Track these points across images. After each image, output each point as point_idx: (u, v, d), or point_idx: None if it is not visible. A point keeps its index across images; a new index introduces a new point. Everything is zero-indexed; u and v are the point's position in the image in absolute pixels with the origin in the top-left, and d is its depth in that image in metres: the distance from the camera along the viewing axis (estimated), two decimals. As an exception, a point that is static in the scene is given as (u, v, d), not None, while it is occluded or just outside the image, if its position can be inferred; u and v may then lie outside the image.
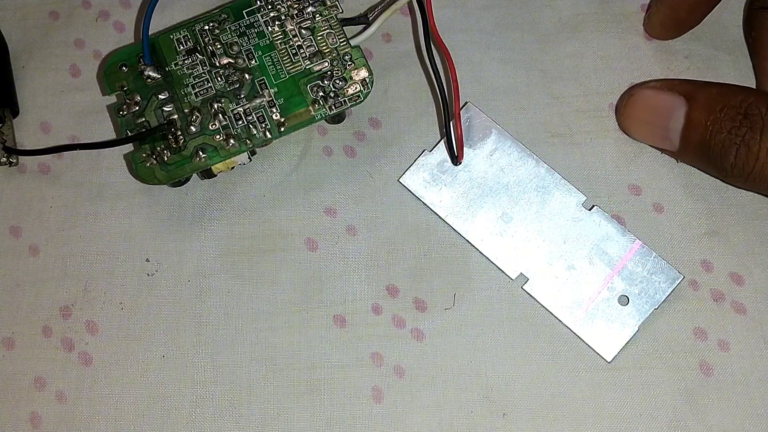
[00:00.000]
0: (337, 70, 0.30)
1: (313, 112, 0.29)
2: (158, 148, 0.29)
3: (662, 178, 0.31)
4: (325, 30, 0.30)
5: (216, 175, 0.31)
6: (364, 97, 0.30)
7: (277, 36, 0.30)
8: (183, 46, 0.30)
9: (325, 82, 0.30)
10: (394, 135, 0.32)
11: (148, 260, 0.31)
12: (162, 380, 0.30)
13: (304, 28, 0.30)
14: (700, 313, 0.30)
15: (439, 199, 0.31)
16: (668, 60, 0.33)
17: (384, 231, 0.31)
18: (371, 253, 0.31)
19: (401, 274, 0.31)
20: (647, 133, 0.31)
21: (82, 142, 0.32)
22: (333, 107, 0.29)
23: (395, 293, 0.30)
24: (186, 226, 0.32)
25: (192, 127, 0.29)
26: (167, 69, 0.30)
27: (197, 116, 0.29)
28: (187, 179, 0.31)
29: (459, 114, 0.30)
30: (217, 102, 0.30)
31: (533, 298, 0.30)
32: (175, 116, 0.30)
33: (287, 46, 0.30)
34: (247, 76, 0.30)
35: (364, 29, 0.31)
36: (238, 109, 0.30)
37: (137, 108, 0.30)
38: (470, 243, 0.31)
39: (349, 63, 0.30)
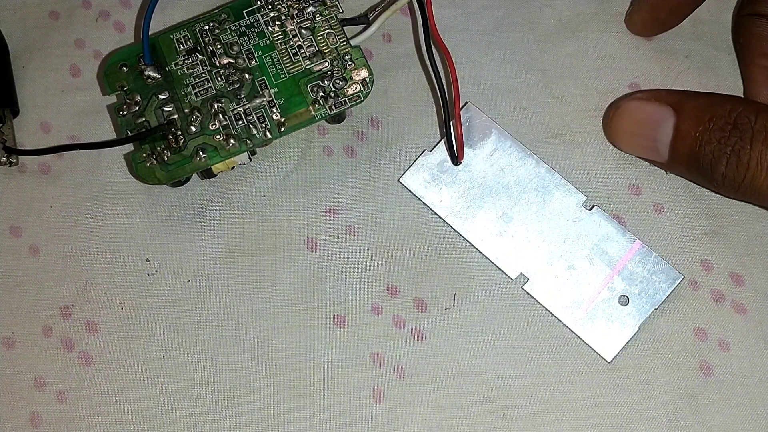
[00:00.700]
0: (337, 70, 0.30)
1: (313, 112, 0.29)
2: (158, 148, 0.29)
3: (662, 178, 0.31)
4: (325, 30, 0.30)
5: (216, 175, 0.31)
6: (364, 97, 0.30)
7: (277, 36, 0.30)
8: (183, 46, 0.30)
9: (325, 82, 0.30)
10: (394, 135, 0.32)
11: (148, 260, 0.31)
12: (162, 380, 0.30)
13: (304, 28, 0.30)
14: (700, 313, 0.30)
15: (439, 199, 0.31)
16: (668, 60, 0.33)
17: (384, 231, 0.31)
18: (371, 253, 0.31)
19: (401, 274, 0.31)
20: (635, 145, 0.30)
21: (82, 142, 0.32)
22: (333, 107, 0.29)
23: (395, 293, 0.30)
24: (186, 226, 0.32)
25: (192, 127, 0.29)
26: (167, 69, 0.30)
27: (197, 116, 0.29)
28: (187, 179, 0.31)
29: (459, 114, 0.30)
30: (217, 102, 0.30)
31: (533, 298, 0.30)
32: (175, 116, 0.30)
33: (287, 46, 0.30)
34: (247, 76, 0.30)
35: (364, 29, 0.31)
36: (238, 109, 0.30)
37: (137, 108, 0.30)
38: (470, 243, 0.31)
39: (349, 63, 0.30)
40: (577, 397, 0.29)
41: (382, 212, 0.31)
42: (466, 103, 0.32)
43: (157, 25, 0.32)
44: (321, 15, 0.30)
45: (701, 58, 0.33)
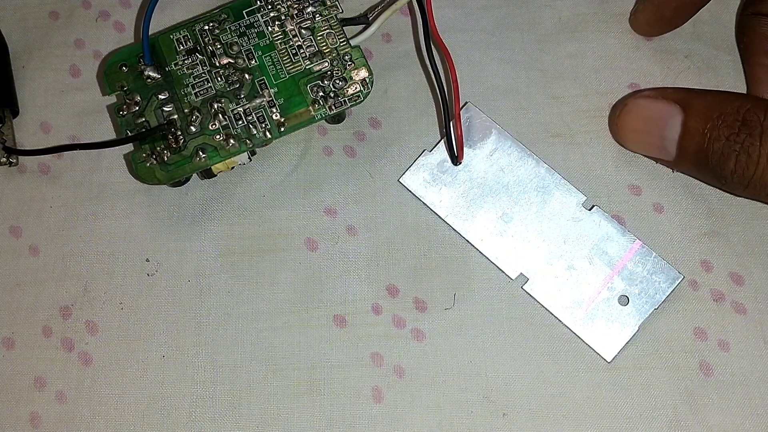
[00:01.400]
0: (337, 70, 0.30)
1: (313, 112, 0.29)
2: (158, 148, 0.29)
3: (662, 178, 0.31)
4: (325, 30, 0.30)
5: (216, 175, 0.31)
6: (364, 97, 0.30)
7: (277, 36, 0.30)
8: (183, 46, 0.30)
9: (325, 82, 0.30)
10: (394, 135, 0.32)
11: (148, 260, 0.31)
12: (162, 380, 0.30)
13: (304, 28, 0.30)
14: (700, 313, 0.30)
15: (439, 199, 0.31)
16: (668, 60, 0.33)
17: (384, 231, 0.31)
18: (371, 253, 0.31)
19: (401, 274, 0.31)
20: (643, 144, 0.30)
21: (82, 142, 0.32)
22: (333, 107, 0.29)
23: (395, 293, 0.30)
24: (186, 226, 0.32)
25: (192, 127, 0.29)
26: (167, 69, 0.30)
27: (197, 116, 0.29)
28: (187, 179, 0.31)
29: (459, 114, 0.30)
30: (217, 102, 0.30)
31: (533, 298, 0.30)
32: (175, 116, 0.30)
33: (287, 46, 0.30)
34: (247, 76, 0.30)
35: (364, 29, 0.31)
36: (238, 109, 0.30)
37: (137, 108, 0.30)
38: (470, 243, 0.31)
39: (349, 63, 0.30)
40: (577, 397, 0.29)
41: (382, 212, 0.31)
42: (466, 103, 0.32)
43: (157, 25, 0.32)
44: (321, 15, 0.30)
45: (701, 58, 0.33)
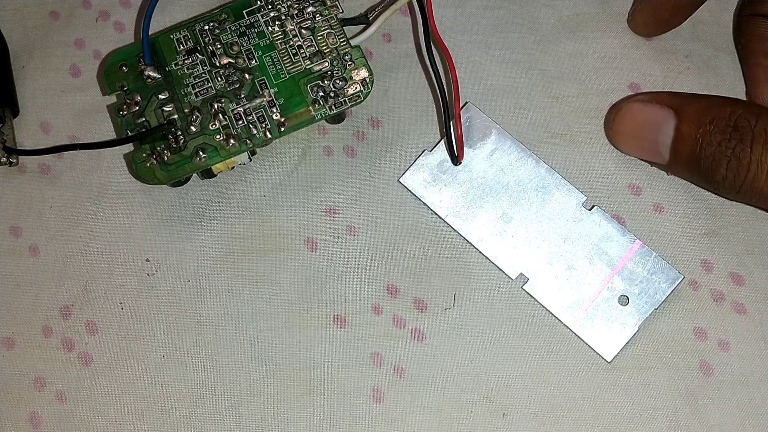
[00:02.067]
0: (337, 70, 0.30)
1: (313, 112, 0.29)
2: (158, 148, 0.29)
3: (662, 178, 0.31)
4: (325, 30, 0.30)
5: (216, 175, 0.31)
6: (364, 97, 0.30)
7: (277, 36, 0.30)
8: (183, 46, 0.30)
9: (325, 82, 0.30)
10: (394, 135, 0.32)
11: (148, 260, 0.31)
12: (162, 380, 0.30)
13: (304, 28, 0.30)
14: (700, 313, 0.30)
15: (439, 199, 0.31)
16: (668, 60, 0.33)
17: (384, 231, 0.31)
18: (371, 253, 0.31)
19: (401, 274, 0.31)
20: (636, 147, 0.30)
21: (82, 142, 0.32)
22: (333, 107, 0.29)
23: (395, 293, 0.30)
24: (186, 226, 0.32)
25: (192, 127, 0.29)
26: (167, 69, 0.30)
27: (197, 116, 0.29)
28: (187, 179, 0.31)
29: (459, 114, 0.30)
30: (217, 102, 0.30)
31: (533, 298, 0.30)
32: (175, 116, 0.30)
33: (287, 46, 0.30)
34: (247, 76, 0.30)
35: (364, 29, 0.31)
36: (238, 109, 0.30)
37: (137, 108, 0.30)
38: (470, 243, 0.31)
39: (349, 63, 0.30)
40: (577, 397, 0.29)
41: (382, 212, 0.31)
42: (466, 103, 0.32)
43: (157, 25, 0.32)
44: (321, 15, 0.30)
45: (701, 58, 0.33)
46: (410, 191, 0.31)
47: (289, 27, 0.30)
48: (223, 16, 0.31)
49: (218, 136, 0.29)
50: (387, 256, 0.31)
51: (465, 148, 0.31)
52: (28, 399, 0.30)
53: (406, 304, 0.30)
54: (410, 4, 0.33)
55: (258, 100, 0.30)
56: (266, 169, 0.32)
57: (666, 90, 0.32)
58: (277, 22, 0.30)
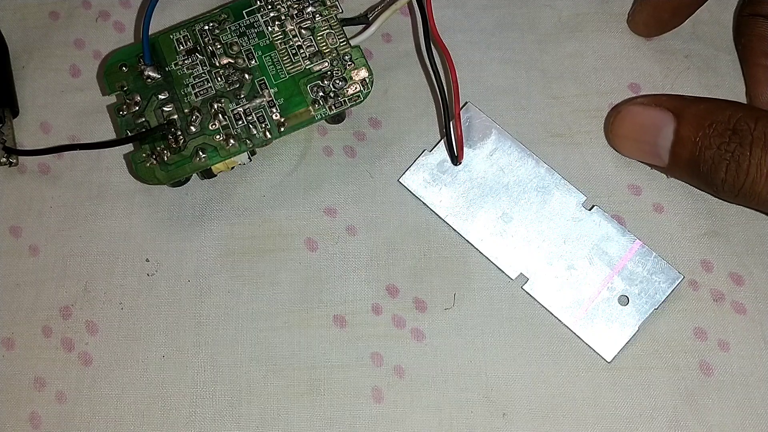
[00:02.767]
0: (337, 70, 0.30)
1: (313, 112, 0.29)
2: (158, 148, 0.29)
3: (662, 178, 0.31)
4: (325, 30, 0.30)
5: (216, 175, 0.31)
6: (364, 97, 0.30)
7: (277, 36, 0.30)
8: (183, 46, 0.30)
9: (325, 82, 0.30)
10: (394, 135, 0.32)
11: (148, 260, 0.31)
12: (162, 380, 0.30)
13: (304, 28, 0.30)
14: (700, 313, 0.30)
15: (439, 199, 0.31)
16: (668, 60, 0.33)
17: (384, 231, 0.31)
18: (371, 253, 0.31)
19: (401, 274, 0.31)
20: (636, 150, 0.31)
21: (82, 142, 0.32)
22: (333, 107, 0.29)
23: (395, 293, 0.30)
24: (186, 226, 0.32)
25: (192, 127, 0.29)
26: (167, 69, 0.30)
27: (197, 116, 0.29)
28: (187, 179, 0.31)
29: (459, 114, 0.30)
30: (217, 102, 0.30)
31: (533, 298, 0.30)
32: (175, 116, 0.30)
33: (287, 46, 0.30)
34: (247, 76, 0.30)
35: (364, 29, 0.31)
36: (238, 109, 0.30)
37: (137, 108, 0.30)
38: (470, 243, 0.31)
39: (349, 63, 0.30)
40: (577, 397, 0.29)
41: (382, 212, 0.31)
42: (466, 103, 0.32)
43: (157, 25, 0.32)
44: (321, 15, 0.30)
45: (701, 58, 0.33)
46: (410, 191, 0.31)
47: (289, 27, 0.30)
48: (222, 16, 0.31)
49: (218, 136, 0.29)
50: (387, 256, 0.31)
51: (465, 148, 0.31)
52: (28, 399, 0.30)
53: (406, 304, 0.30)
54: (410, 4, 0.33)
55: (258, 100, 0.30)
56: (266, 169, 0.32)
57: (666, 91, 0.32)
58: (276, 22, 0.30)
